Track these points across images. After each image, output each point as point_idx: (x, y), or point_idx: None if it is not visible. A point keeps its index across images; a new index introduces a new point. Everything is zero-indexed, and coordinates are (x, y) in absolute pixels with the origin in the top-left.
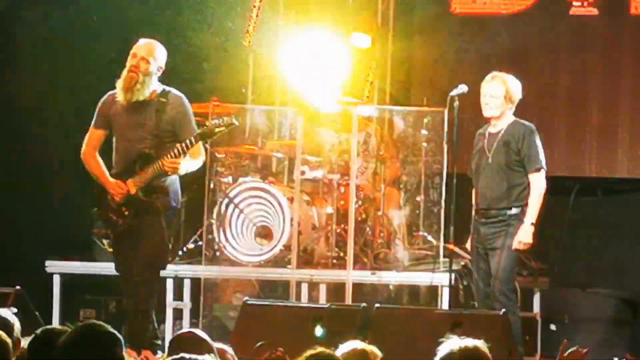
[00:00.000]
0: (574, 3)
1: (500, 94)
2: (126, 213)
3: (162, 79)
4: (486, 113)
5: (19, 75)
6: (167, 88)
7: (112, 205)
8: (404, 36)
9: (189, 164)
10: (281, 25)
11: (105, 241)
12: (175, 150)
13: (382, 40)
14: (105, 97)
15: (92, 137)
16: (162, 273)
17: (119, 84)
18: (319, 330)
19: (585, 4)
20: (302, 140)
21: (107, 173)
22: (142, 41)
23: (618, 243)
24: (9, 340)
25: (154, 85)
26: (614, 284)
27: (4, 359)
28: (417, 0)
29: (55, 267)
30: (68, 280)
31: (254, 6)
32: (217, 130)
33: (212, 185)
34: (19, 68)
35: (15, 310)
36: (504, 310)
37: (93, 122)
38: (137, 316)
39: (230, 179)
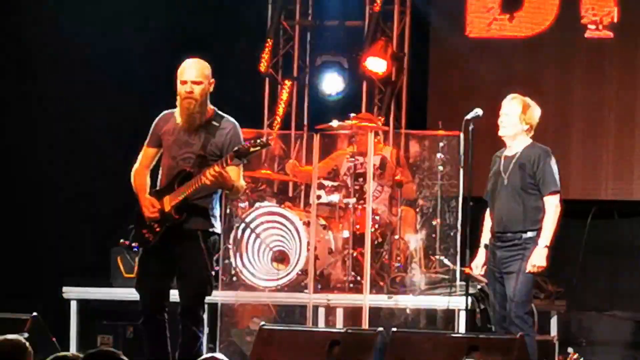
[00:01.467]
0: (589, 26)
1: (514, 113)
2: (157, 230)
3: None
4: (500, 132)
5: (34, 103)
6: (222, 113)
7: (145, 222)
8: (420, 60)
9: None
10: (297, 52)
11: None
12: (212, 169)
13: (397, 64)
14: (161, 115)
15: (145, 156)
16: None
17: (178, 111)
18: None
19: (601, 27)
20: (318, 164)
21: (146, 190)
22: (188, 64)
23: (635, 265)
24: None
25: (210, 105)
26: (631, 307)
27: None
28: (432, 24)
29: (72, 293)
30: (85, 306)
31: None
32: (252, 150)
33: (228, 211)
34: (35, 94)
35: (26, 335)
36: (520, 333)
37: (147, 140)
38: (194, 347)
39: (246, 204)
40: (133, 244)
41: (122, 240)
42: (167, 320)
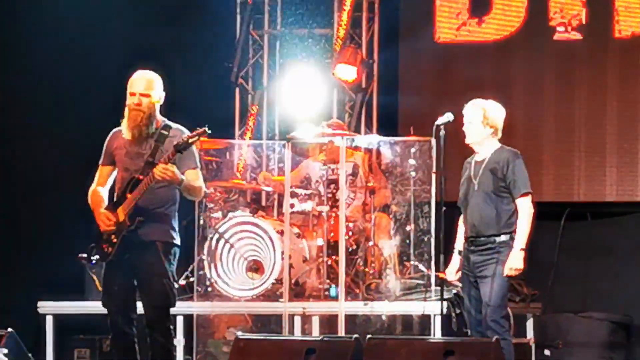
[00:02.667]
0: (558, 28)
1: (476, 120)
2: (114, 241)
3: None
4: (466, 140)
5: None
6: (171, 123)
7: (104, 236)
8: (389, 66)
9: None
10: (267, 60)
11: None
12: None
13: (367, 71)
14: (110, 134)
15: (100, 174)
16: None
17: (125, 123)
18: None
19: (569, 29)
20: (290, 174)
21: (102, 207)
22: (137, 76)
23: (609, 266)
24: None
25: (158, 117)
26: (606, 307)
27: None
28: (401, 30)
29: (48, 307)
30: (61, 320)
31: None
32: (190, 140)
33: (201, 221)
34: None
35: (5, 351)
36: (496, 337)
37: (101, 160)
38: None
39: (219, 214)
40: (92, 257)
41: (80, 255)
42: (135, 334)
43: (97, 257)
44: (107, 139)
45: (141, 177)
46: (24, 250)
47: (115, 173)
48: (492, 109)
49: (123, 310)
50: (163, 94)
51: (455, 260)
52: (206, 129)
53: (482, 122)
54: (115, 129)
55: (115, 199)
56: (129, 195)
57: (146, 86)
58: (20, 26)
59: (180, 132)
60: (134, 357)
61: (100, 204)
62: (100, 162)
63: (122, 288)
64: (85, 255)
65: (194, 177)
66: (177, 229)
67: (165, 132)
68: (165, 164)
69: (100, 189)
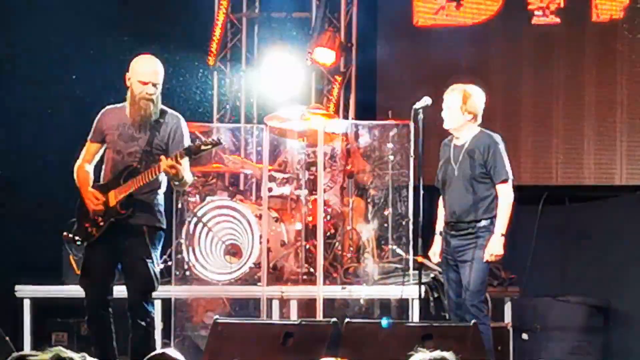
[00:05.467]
0: (536, 12)
1: (455, 105)
2: (101, 224)
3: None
4: (444, 125)
5: None
6: (166, 108)
7: (89, 215)
8: (368, 50)
9: (187, 174)
10: (245, 44)
11: (74, 248)
12: (167, 161)
13: (346, 55)
14: (103, 110)
15: (88, 151)
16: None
17: (129, 107)
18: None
19: (547, 12)
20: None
21: (89, 184)
22: (146, 64)
23: (587, 250)
24: None
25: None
26: (584, 291)
27: None
28: (380, 14)
29: (25, 291)
30: (38, 304)
31: (217, 24)
32: (203, 148)
33: (180, 205)
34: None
35: None
36: (474, 321)
37: (90, 135)
38: (146, 342)
39: (197, 197)
40: (76, 238)
41: (65, 233)
42: (111, 315)
43: (78, 238)
44: (99, 115)
45: (137, 165)
46: (1, 233)
47: (101, 151)
48: (471, 94)
49: (100, 291)
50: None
51: (437, 242)
52: (221, 139)
53: (461, 107)
54: (109, 107)
55: (103, 180)
56: (123, 183)
57: (158, 76)
58: None
59: (176, 118)
60: (110, 338)
61: (87, 182)
62: (89, 137)
63: (102, 269)
64: (70, 234)
65: (186, 167)
66: (163, 212)
67: (161, 119)
68: (176, 161)
69: (87, 166)
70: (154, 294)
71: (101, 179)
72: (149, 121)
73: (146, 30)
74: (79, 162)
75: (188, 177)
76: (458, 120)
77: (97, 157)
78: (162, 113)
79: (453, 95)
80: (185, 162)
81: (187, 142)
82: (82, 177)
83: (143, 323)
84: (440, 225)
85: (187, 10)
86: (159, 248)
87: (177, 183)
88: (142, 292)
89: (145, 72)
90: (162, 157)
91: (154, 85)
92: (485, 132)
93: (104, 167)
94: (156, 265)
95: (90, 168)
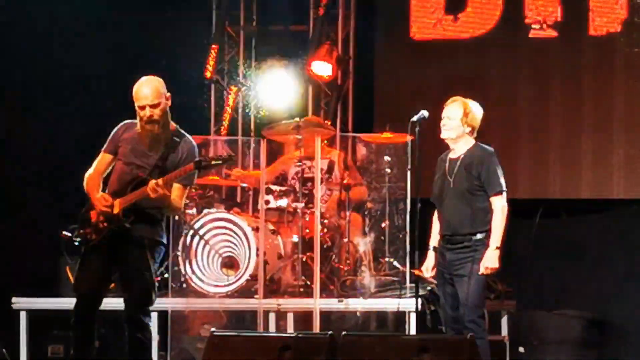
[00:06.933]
0: (533, 26)
1: (456, 116)
2: (101, 227)
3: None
4: (442, 134)
5: None
6: (184, 132)
7: (91, 222)
8: (365, 63)
9: (171, 202)
10: (243, 57)
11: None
12: (157, 182)
13: (343, 68)
14: (121, 124)
15: (101, 161)
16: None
17: (143, 132)
18: None
19: (545, 26)
20: (265, 170)
21: (98, 191)
22: (141, 87)
23: (583, 263)
24: None
25: (171, 121)
26: (580, 305)
27: None
28: (377, 27)
29: (22, 303)
30: (35, 316)
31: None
32: (213, 162)
33: (177, 218)
34: None
35: None
36: (470, 334)
37: (105, 146)
38: (143, 354)
39: (194, 210)
40: (75, 239)
41: (63, 232)
42: (94, 324)
43: (79, 239)
44: (116, 128)
45: (146, 177)
46: None
47: (113, 163)
48: (473, 108)
49: (91, 296)
50: (169, 95)
51: (431, 256)
52: (232, 156)
53: (462, 119)
54: (126, 121)
55: (110, 189)
56: (129, 193)
57: (153, 96)
58: None
59: (191, 144)
60: (90, 345)
61: (97, 189)
62: (103, 148)
63: (97, 274)
64: (68, 233)
65: (179, 195)
66: (164, 228)
67: (177, 139)
68: (164, 182)
69: (98, 176)
70: (151, 307)
71: (107, 188)
72: (160, 138)
73: (144, 41)
74: (90, 170)
75: (179, 204)
76: (457, 131)
77: (109, 169)
78: (180, 135)
79: (454, 107)
80: (179, 188)
81: (194, 175)
82: (92, 184)
83: (140, 335)
84: (434, 240)
85: (185, 22)
86: (158, 262)
87: (164, 208)
88: (139, 304)
89: (140, 97)
90: (152, 179)
91: (152, 106)
92: (480, 146)
93: (111, 176)
94: (154, 278)
95: (100, 179)
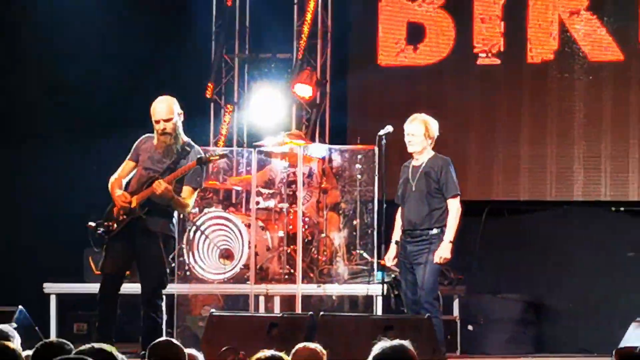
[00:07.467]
0: (480, 54)
1: (419, 133)
2: (121, 219)
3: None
4: (409, 149)
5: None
6: (194, 144)
7: (112, 215)
8: (340, 86)
9: (176, 200)
10: (237, 80)
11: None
12: (162, 180)
13: (321, 89)
14: (142, 137)
15: (124, 168)
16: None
17: (159, 142)
18: None
19: (490, 54)
20: (256, 175)
21: (120, 190)
22: (157, 105)
23: (522, 255)
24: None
25: (182, 134)
26: (520, 289)
27: None
28: (350, 55)
29: (52, 288)
30: (63, 299)
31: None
32: (212, 158)
33: (182, 216)
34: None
35: (15, 325)
36: (428, 314)
37: (129, 155)
38: (155, 332)
39: (196, 209)
40: (99, 229)
41: (90, 223)
42: (117, 303)
43: (102, 229)
44: (139, 140)
45: (159, 177)
46: (31, 239)
47: (135, 170)
48: (431, 123)
49: (115, 275)
50: (181, 111)
51: (393, 249)
52: (226, 153)
53: (424, 134)
54: (147, 134)
55: (133, 189)
56: (144, 189)
57: (167, 112)
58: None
59: (199, 154)
60: (114, 318)
61: (118, 189)
62: (128, 157)
63: (120, 259)
64: (93, 224)
65: (188, 195)
66: (176, 223)
67: (188, 149)
68: (172, 177)
69: (120, 179)
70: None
71: (128, 188)
72: (173, 147)
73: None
74: (115, 175)
75: (188, 202)
76: (421, 145)
77: (131, 175)
78: (190, 146)
79: (416, 125)
80: (189, 189)
81: (202, 177)
82: (114, 185)
83: (154, 315)
84: (396, 235)
85: (190, 51)
86: (170, 253)
87: (171, 204)
88: (154, 289)
89: (156, 112)
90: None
91: (165, 120)
92: (439, 156)
93: (132, 179)
94: (167, 267)
95: (122, 181)
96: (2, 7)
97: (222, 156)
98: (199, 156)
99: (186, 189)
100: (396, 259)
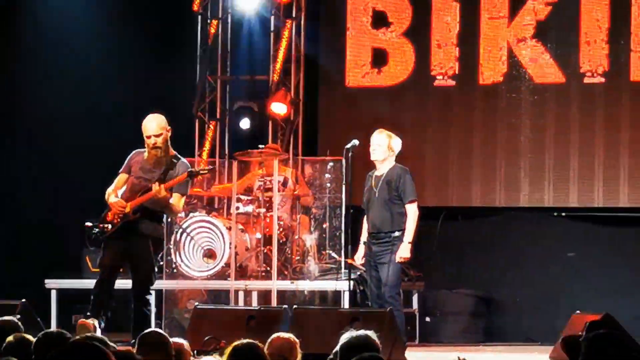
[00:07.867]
0: (437, 77)
1: (383, 144)
2: (115, 222)
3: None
4: (372, 157)
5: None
6: (180, 157)
7: (107, 219)
8: (312, 104)
9: (171, 205)
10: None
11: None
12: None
13: (295, 108)
14: (134, 152)
15: (119, 180)
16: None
17: (150, 155)
18: None
19: (446, 77)
20: (236, 184)
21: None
22: (147, 121)
23: (474, 255)
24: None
25: (170, 148)
26: (472, 285)
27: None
28: (320, 77)
29: (53, 283)
30: (63, 293)
31: (198, 84)
32: (201, 172)
33: (169, 219)
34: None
35: (18, 316)
36: (390, 308)
37: (122, 168)
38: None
39: (183, 214)
40: (94, 230)
41: (87, 223)
42: (111, 291)
43: (97, 230)
44: (130, 154)
45: (151, 185)
46: (33, 238)
47: (127, 180)
48: (394, 137)
49: (111, 268)
50: (170, 129)
51: (361, 249)
52: (212, 168)
53: (387, 146)
54: (138, 150)
55: (127, 196)
56: (138, 197)
57: (157, 128)
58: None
59: (186, 166)
60: (110, 294)
61: (114, 197)
62: (121, 170)
63: (115, 255)
64: (90, 224)
65: (176, 201)
66: (164, 227)
67: (175, 161)
68: (168, 185)
69: (115, 189)
70: (152, 287)
71: (122, 196)
72: (162, 160)
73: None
74: (110, 187)
75: (178, 207)
76: (384, 155)
77: (124, 186)
78: (177, 159)
79: (382, 137)
80: (178, 196)
81: (189, 185)
82: (110, 194)
83: (143, 308)
84: (363, 237)
85: (178, 73)
86: (159, 253)
87: (164, 209)
88: (143, 285)
89: (146, 128)
90: (156, 184)
91: (155, 136)
92: (398, 166)
93: (125, 188)
94: (155, 266)
95: (117, 191)
96: None
97: (209, 171)
98: (190, 170)
99: (176, 196)
100: (364, 258)
